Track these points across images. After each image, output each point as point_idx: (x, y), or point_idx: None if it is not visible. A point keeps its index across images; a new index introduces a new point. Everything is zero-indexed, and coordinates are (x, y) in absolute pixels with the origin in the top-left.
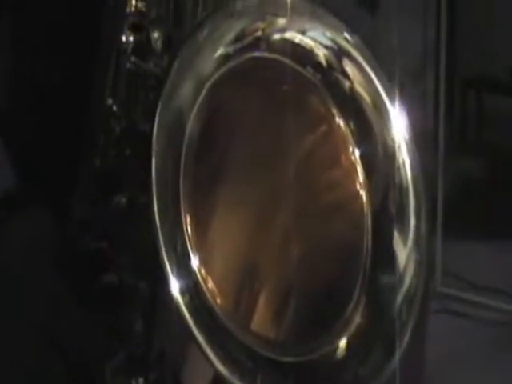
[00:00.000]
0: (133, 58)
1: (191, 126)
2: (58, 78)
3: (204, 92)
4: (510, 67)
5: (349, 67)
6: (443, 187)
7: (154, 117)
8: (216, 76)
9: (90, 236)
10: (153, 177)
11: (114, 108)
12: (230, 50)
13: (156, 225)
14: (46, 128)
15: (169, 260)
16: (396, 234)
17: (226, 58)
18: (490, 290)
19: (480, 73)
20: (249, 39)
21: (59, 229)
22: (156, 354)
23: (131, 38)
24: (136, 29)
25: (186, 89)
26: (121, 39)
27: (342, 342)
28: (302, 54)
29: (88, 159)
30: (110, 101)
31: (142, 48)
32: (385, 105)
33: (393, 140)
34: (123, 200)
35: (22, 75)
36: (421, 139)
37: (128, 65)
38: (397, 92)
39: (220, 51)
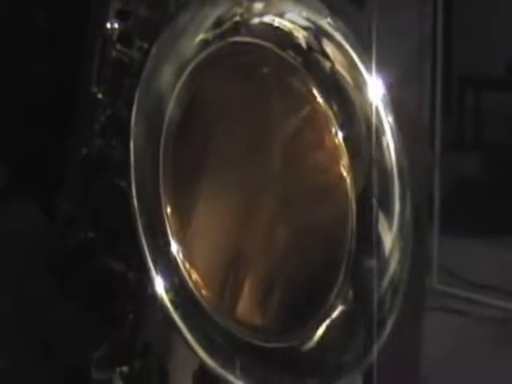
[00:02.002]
0: (118, 46)
1: (171, 111)
2: (43, 67)
3: (184, 77)
4: (508, 64)
5: (329, 48)
6: (440, 184)
7: (132, 102)
8: (196, 61)
9: (78, 227)
10: (131, 165)
11: (99, 96)
12: (210, 35)
13: (136, 216)
14: (30, 117)
15: (150, 251)
16: (381, 217)
17: (205, 43)
18: (487, 287)
19: (477, 69)
20: (228, 25)
21: (46, 219)
22: (141, 344)
23: (116, 26)
24: (121, 16)
25: (166, 74)
26: (106, 27)
27: (326, 328)
28: (282, 37)
29: (74, 148)
30: (95, 89)
31: (128, 36)
32: (367, 85)
33: (376, 121)
34: (109, 189)
35: (5, 64)
36: (405, 123)
37: (113, 52)
38: (376, 71)
39: (200, 37)
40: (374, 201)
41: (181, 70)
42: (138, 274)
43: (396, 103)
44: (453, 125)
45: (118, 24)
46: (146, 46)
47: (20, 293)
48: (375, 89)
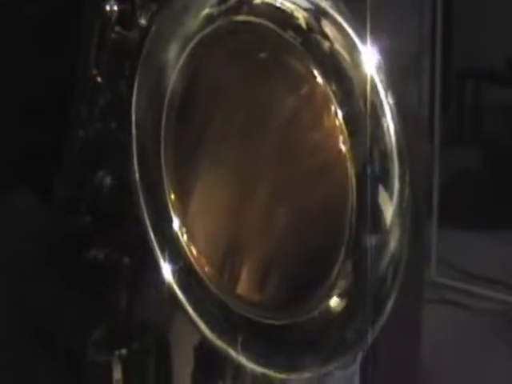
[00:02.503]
0: (117, 28)
1: (172, 87)
2: (41, 49)
3: (186, 53)
4: (507, 57)
5: (328, 28)
6: (439, 177)
7: (134, 78)
8: (199, 36)
9: (74, 212)
10: (134, 145)
11: (98, 79)
12: (215, 11)
13: (139, 198)
14: (28, 101)
15: (155, 233)
16: (381, 194)
17: (210, 18)
18: (485, 279)
19: (477, 63)
20: (232, 2)
21: (43, 205)
22: (138, 325)
23: (115, 8)
24: None
25: (169, 49)
26: (105, 9)
27: (328, 305)
28: (283, 18)
29: (72, 132)
30: (94, 71)
31: (127, 17)
32: (366, 64)
33: (375, 100)
34: (108, 174)
35: (2, 47)
36: (403, 103)
37: (112, 35)
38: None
39: (205, 11)
40: (372, 177)
41: (183, 46)
42: (134, 258)
43: (394, 81)
44: (452, 118)
45: (117, 5)
46: (145, 26)
47: (17, 275)
48: (370, 58)
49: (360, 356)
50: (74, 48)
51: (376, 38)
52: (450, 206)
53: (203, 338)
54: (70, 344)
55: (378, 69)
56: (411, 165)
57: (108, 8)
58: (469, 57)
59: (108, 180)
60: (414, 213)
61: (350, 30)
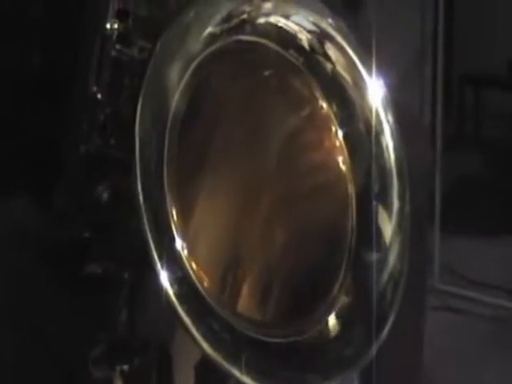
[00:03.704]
0: (117, 46)
1: (175, 106)
2: (43, 66)
3: (189, 72)
4: (508, 62)
5: (331, 50)
6: (441, 182)
7: (138, 97)
8: (202, 56)
9: (73, 225)
10: (137, 162)
11: (99, 96)
12: (218, 30)
13: (142, 214)
14: (30, 116)
15: (156, 249)
16: (381, 212)
17: (213, 37)
18: (488, 286)
19: (478, 68)
20: (235, 21)
21: (43, 218)
22: (140, 341)
23: (116, 26)
24: (121, 16)
25: (172, 70)
26: (105, 27)
27: (328, 323)
28: (286, 38)
29: (72, 147)
30: (94, 88)
31: (127, 35)
32: (367, 86)
33: (376, 121)
34: (108, 188)
35: (6, 62)
36: (406, 122)
37: (113, 52)
38: (378, 73)
39: (208, 30)
40: (373, 197)
41: (186, 65)
42: (134, 272)
43: (396, 103)
44: (454, 123)
45: (118, 24)
46: (145, 45)
47: (17, 289)
48: (375, 90)
49: (359, 373)
50: (76, 65)
51: (380, 64)
52: (452, 212)
53: (204, 354)
54: (69, 360)
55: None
56: (413, 171)
57: (108, 26)
58: (470, 63)
59: (107, 194)
60: (415, 223)
61: (352, 53)
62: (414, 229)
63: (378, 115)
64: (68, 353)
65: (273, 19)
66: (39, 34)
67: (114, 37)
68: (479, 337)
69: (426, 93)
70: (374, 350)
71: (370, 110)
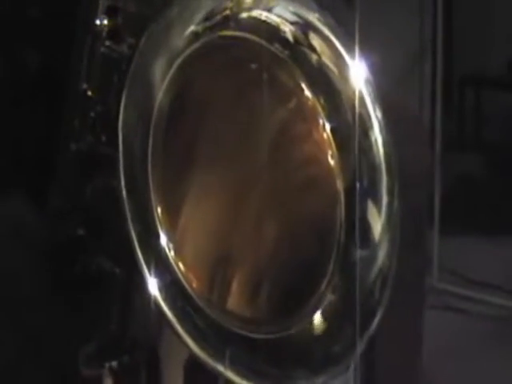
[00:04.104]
0: (107, 43)
1: (160, 104)
2: (33, 64)
3: (173, 70)
4: (508, 62)
5: (315, 41)
6: (440, 183)
7: (121, 95)
8: (186, 54)
9: (67, 223)
10: (120, 159)
11: (89, 93)
12: (200, 28)
13: (126, 213)
14: (20, 114)
15: (141, 247)
16: (370, 208)
17: (195, 35)
18: (487, 285)
19: (478, 69)
20: (217, 18)
21: (36, 216)
22: (130, 339)
23: (105, 22)
24: (110, 12)
25: (156, 66)
26: (95, 23)
27: (315, 319)
28: (269, 31)
29: (63, 145)
30: (84, 85)
31: (117, 32)
32: (353, 77)
33: (363, 113)
34: (100, 186)
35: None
36: (392, 116)
37: (102, 49)
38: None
39: (190, 29)
40: (361, 191)
41: (170, 62)
42: (126, 270)
43: (395, 102)
44: (453, 124)
45: (107, 20)
46: (135, 42)
47: (10, 287)
48: (359, 76)
49: (348, 369)
50: (66, 62)
51: (365, 51)
52: (451, 212)
53: (192, 353)
54: (61, 358)
55: (367, 82)
56: (411, 172)
57: (98, 22)
58: (470, 62)
59: (99, 192)
60: (410, 223)
61: (337, 44)
62: (412, 228)
63: (366, 108)
64: (59, 350)
65: (255, 13)
66: (31, 32)
67: (104, 33)
68: (478, 336)
69: (426, 93)
70: (359, 347)
71: (356, 99)
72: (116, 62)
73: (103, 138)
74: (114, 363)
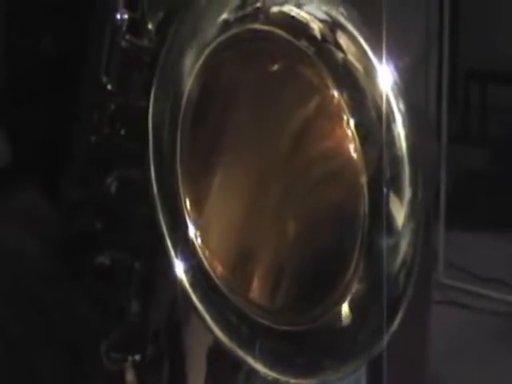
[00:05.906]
0: (127, 36)
1: (188, 94)
2: (52, 56)
3: (202, 59)
4: None
5: (342, 39)
6: (446, 178)
7: (149, 86)
8: (215, 43)
9: (84, 216)
10: (150, 150)
11: (109, 86)
12: (232, 17)
13: (156, 203)
14: (39, 106)
15: (170, 238)
16: (393, 198)
17: (226, 25)
18: (493, 281)
19: (484, 63)
20: (249, 9)
21: (52, 209)
22: (152, 331)
23: (126, 16)
24: (131, 6)
25: (187, 55)
26: (115, 17)
27: (341, 309)
28: (298, 27)
29: (82, 138)
30: (104, 79)
31: (137, 25)
32: (378, 74)
33: (387, 109)
34: (118, 179)
35: (17, 52)
36: (415, 111)
37: (123, 43)
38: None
39: (222, 17)
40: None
41: (199, 53)
42: (145, 262)
43: (407, 91)
44: (459, 118)
45: (128, 14)
46: (156, 35)
47: (27, 281)
48: (385, 77)
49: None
50: (86, 56)
51: (390, 51)
52: (457, 207)
53: (217, 342)
54: (81, 353)
55: (392, 82)
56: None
57: (118, 16)
58: (476, 57)
59: (117, 185)
60: (424, 216)
61: (362, 41)
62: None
63: (389, 103)
64: (79, 345)
65: (286, 8)
66: (51, 24)
67: (124, 27)
68: (484, 331)
69: (431, 88)
70: (385, 337)
71: (382, 98)
72: (136, 55)
73: (122, 131)
74: (137, 356)
